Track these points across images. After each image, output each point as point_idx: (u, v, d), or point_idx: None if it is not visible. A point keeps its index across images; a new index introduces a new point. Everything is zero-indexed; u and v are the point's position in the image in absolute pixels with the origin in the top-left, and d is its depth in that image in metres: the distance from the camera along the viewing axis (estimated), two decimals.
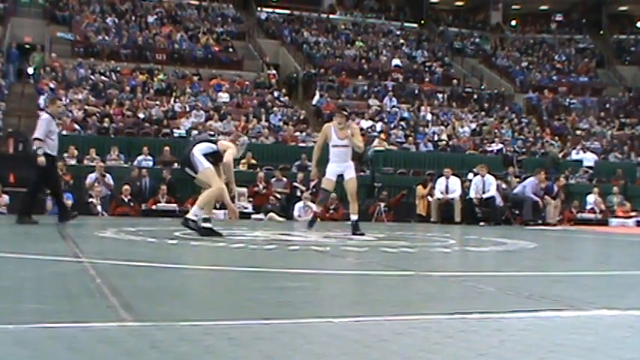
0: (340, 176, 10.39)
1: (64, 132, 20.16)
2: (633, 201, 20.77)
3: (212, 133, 21.66)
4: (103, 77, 25.14)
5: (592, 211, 20.04)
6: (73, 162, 17.90)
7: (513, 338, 2.78)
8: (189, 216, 8.69)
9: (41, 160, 11.23)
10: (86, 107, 22.08)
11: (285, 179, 18.27)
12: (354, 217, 10.22)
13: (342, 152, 10.29)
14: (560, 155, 24.57)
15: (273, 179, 18.17)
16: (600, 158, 25.47)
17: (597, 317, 3.39)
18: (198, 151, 8.74)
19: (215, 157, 8.79)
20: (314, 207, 11.90)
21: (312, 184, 17.66)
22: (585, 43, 40.25)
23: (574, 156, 25.16)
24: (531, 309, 3.49)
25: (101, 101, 23.09)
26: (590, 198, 20.34)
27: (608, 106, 33.10)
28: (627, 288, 4.86)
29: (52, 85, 23.19)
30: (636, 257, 8.88)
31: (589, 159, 24.50)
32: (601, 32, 42.59)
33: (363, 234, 9.82)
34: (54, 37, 28.31)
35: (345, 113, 10.67)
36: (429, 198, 18.29)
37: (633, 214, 20.16)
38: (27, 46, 28.59)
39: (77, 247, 7.00)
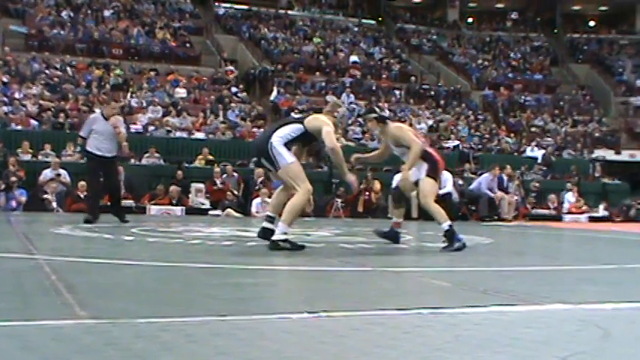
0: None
1: (18, 127, 19.88)
2: (586, 197, 21.09)
3: (169, 128, 21.51)
4: (57, 72, 24.79)
5: (546, 207, 20.30)
6: (27, 157, 17.63)
7: (469, 333, 2.82)
8: (276, 238, 6.78)
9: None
10: (41, 102, 21.74)
11: (236, 175, 18.14)
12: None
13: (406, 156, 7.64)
14: (552, 157, 24.82)
15: (224, 175, 18.01)
16: (554, 154, 25.76)
17: (551, 311, 3.45)
18: (279, 140, 6.83)
19: (304, 140, 7.03)
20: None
21: (260, 179, 17.61)
22: (540, 41, 40.79)
23: (529, 152, 25.50)
24: (486, 304, 3.53)
25: (56, 96, 22.77)
26: (569, 196, 20.60)
27: (562, 103, 33.62)
28: (580, 282, 4.95)
29: (5, 80, 22.77)
30: (588, 252, 9.03)
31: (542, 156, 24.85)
32: (555, 31, 43.22)
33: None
34: (7, 30, 27.81)
35: (373, 116, 7.79)
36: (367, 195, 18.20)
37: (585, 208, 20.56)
38: None
39: (31, 243, 6.90)
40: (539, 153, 25.02)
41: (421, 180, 7.53)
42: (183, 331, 2.69)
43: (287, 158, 6.80)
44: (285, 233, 6.77)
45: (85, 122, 11.88)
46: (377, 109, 7.97)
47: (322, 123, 6.92)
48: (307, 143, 7.10)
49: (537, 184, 20.81)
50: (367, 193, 18.13)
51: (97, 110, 13.33)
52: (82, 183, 16.30)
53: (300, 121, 7.11)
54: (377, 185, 18.11)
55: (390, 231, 7.95)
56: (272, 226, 7.08)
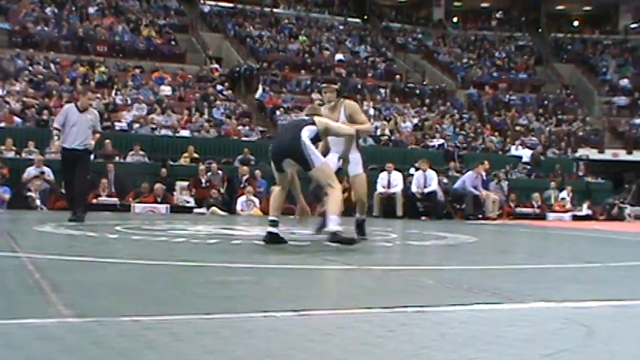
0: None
1: (2, 124, 19.76)
2: (570, 196, 21.20)
3: (154, 126, 21.45)
4: (41, 68, 24.66)
5: (530, 205, 20.40)
6: (10, 155, 17.52)
7: (453, 331, 2.82)
8: (332, 229, 6.83)
9: (55, 145, 11.18)
10: (24, 99, 21.62)
11: (221, 172, 18.11)
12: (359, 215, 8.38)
13: (339, 140, 7.75)
14: (541, 157, 24.89)
15: (209, 173, 17.96)
16: (538, 153, 25.90)
17: (535, 309, 3.46)
18: (308, 138, 6.90)
19: (317, 141, 7.16)
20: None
21: (245, 177, 17.61)
22: (524, 40, 41.00)
23: (513, 151, 25.61)
24: (471, 302, 3.54)
25: (40, 93, 22.65)
26: (564, 193, 20.80)
27: (546, 102, 33.81)
28: (563, 281, 4.97)
29: None
30: (571, 251, 9.07)
31: (527, 155, 24.97)
32: (539, 30, 43.43)
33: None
34: None
35: (335, 87, 7.94)
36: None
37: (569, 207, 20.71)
38: None
39: (15, 241, 6.85)
40: (523, 152, 25.14)
41: (361, 175, 8.23)
42: (168, 329, 2.68)
43: (321, 158, 6.97)
44: (340, 225, 6.88)
45: (59, 113, 11.38)
46: (337, 81, 8.16)
47: (326, 121, 7.25)
48: (317, 141, 7.18)
49: (506, 182, 20.88)
50: (346, 193, 18.12)
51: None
52: None
53: (312, 122, 7.10)
54: None
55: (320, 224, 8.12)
56: (277, 230, 7.06)
